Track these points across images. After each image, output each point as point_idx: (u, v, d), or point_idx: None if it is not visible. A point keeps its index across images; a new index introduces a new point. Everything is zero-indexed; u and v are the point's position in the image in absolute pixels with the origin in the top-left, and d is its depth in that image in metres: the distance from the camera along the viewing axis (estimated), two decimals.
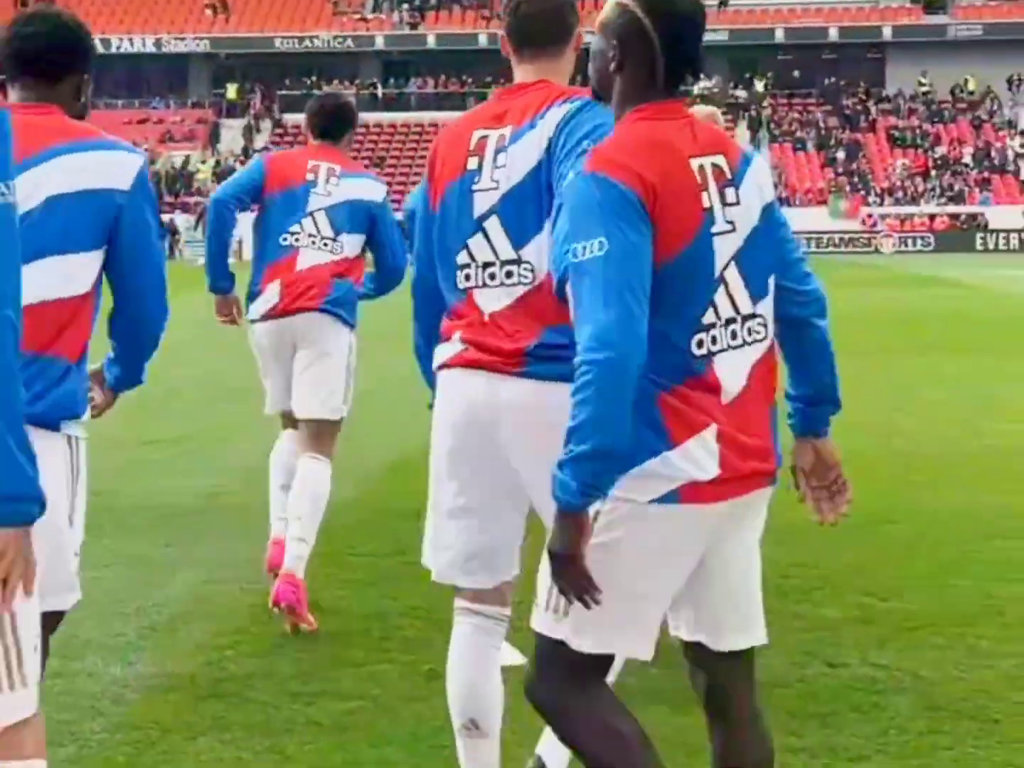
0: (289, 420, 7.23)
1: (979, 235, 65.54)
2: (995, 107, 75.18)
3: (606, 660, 3.64)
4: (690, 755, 4.74)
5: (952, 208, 68.04)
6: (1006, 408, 13.75)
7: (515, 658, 5.53)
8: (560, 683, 3.60)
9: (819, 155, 71.53)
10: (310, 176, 7.03)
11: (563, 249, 3.52)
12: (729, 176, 3.49)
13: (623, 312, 3.23)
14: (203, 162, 71.36)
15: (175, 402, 14.37)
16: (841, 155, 70.86)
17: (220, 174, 63.54)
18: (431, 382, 4.32)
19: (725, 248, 3.46)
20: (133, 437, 12.02)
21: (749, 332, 3.52)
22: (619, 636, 3.54)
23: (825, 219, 65.69)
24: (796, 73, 75.73)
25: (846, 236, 64.56)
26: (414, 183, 74.58)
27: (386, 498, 9.54)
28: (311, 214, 6.98)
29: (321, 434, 6.99)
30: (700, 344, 3.45)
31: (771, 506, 9.65)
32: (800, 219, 65.91)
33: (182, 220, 60.33)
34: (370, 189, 7.15)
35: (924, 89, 76.19)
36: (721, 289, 3.47)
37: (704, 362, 3.45)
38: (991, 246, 64.55)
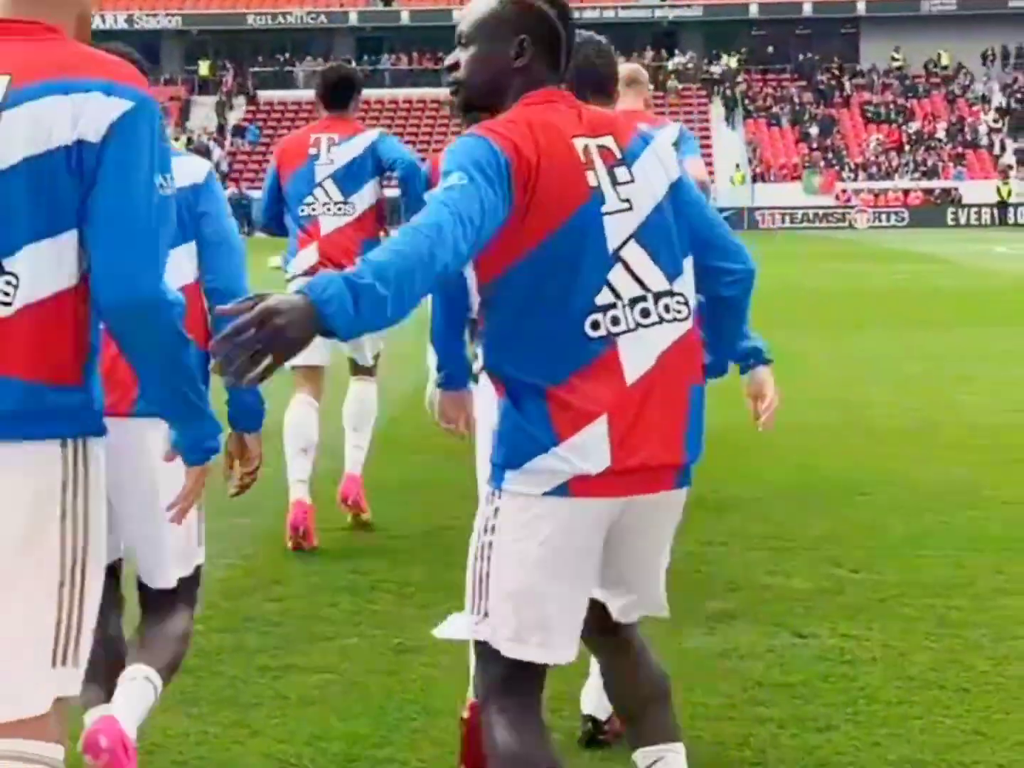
0: (306, 379, 7.77)
1: (951, 210, 65.62)
2: (968, 82, 75.26)
3: (531, 676, 3.51)
4: None
5: (926, 183, 68.11)
6: (980, 382, 13.76)
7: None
8: (488, 693, 3.51)
9: (793, 130, 71.52)
10: (312, 151, 7.87)
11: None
12: (619, 156, 3.46)
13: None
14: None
15: None
16: (815, 130, 70.86)
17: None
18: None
19: (620, 227, 3.41)
20: None
21: (666, 309, 3.45)
22: (531, 638, 3.44)
23: (799, 194, 65.74)
24: (770, 49, 75.71)
25: (820, 211, 64.57)
26: None
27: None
28: (320, 184, 7.80)
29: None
30: (596, 326, 3.38)
31: (741, 478, 9.64)
32: (774, 195, 66.05)
33: None
34: (364, 141, 7.96)
35: (898, 64, 76.23)
36: (619, 268, 3.40)
37: (602, 344, 3.38)
38: (964, 221, 64.65)
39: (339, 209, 7.77)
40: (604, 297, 3.39)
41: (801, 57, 76.30)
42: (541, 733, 3.50)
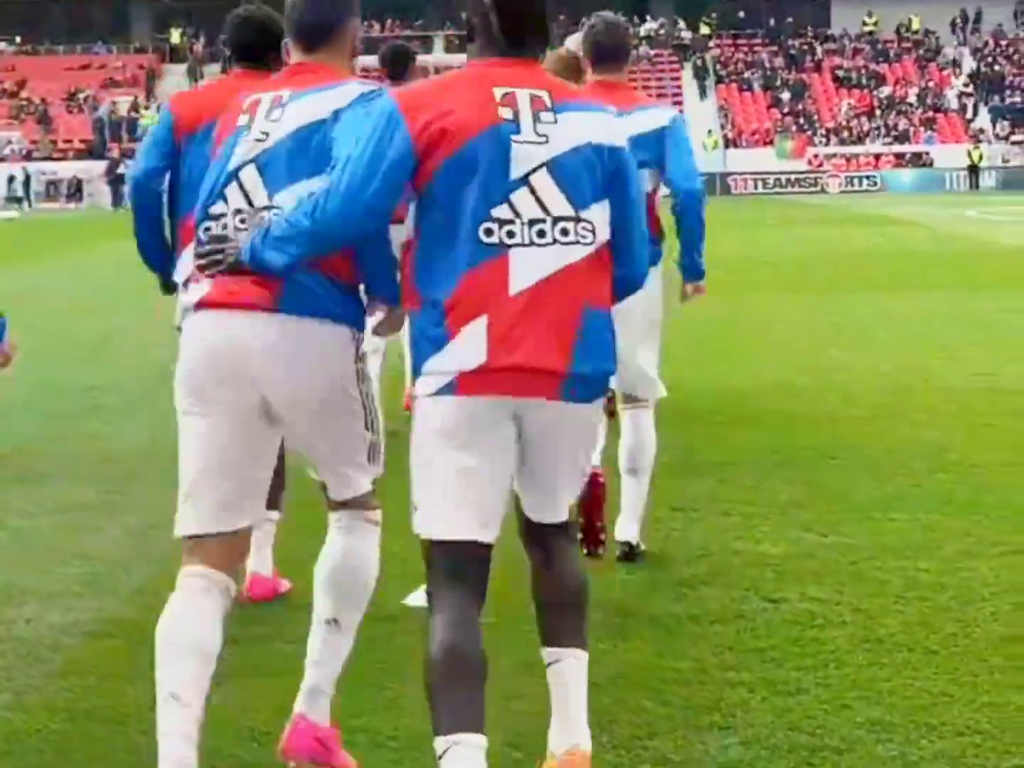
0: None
1: (925, 173, 65.74)
2: (939, 46, 75.30)
3: (464, 567, 4.03)
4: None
5: (897, 147, 68.17)
6: (952, 347, 13.80)
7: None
8: (432, 591, 4.07)
9: (765, 96, 71.50)
10: None
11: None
12: (549, 105, 3.96)
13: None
14: (146, 108, 70.66)
15: (112, 348, 14.28)
16: (787, 96, 70.85)
17: None
18: None
19: (532, 154, 3.90)
20: (73, 383, 11.98)
21: (564, 233, 3.89)
22: (451, 517, 3.98)
23: (771, 160, 65.77)
24: (741, 14, 75.60)
25: (792, 176, 64.60)
26: None
27: None
28: None
29: None
30: (489, 233, 3.85)
31: (712, 444, 9.61)
32: (747, 160, 66.04)
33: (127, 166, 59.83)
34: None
35: (869, 29, 76.20)
36: (523, 190, 3.88)
37: (494, 251, 3.85)
38: (936, 185, 64.72)
39: None
40: (502, 212, 3.86)
41: (772, 22, 76.21)
42: (476, 631, 4.00)
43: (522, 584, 6.24)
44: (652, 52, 73.56)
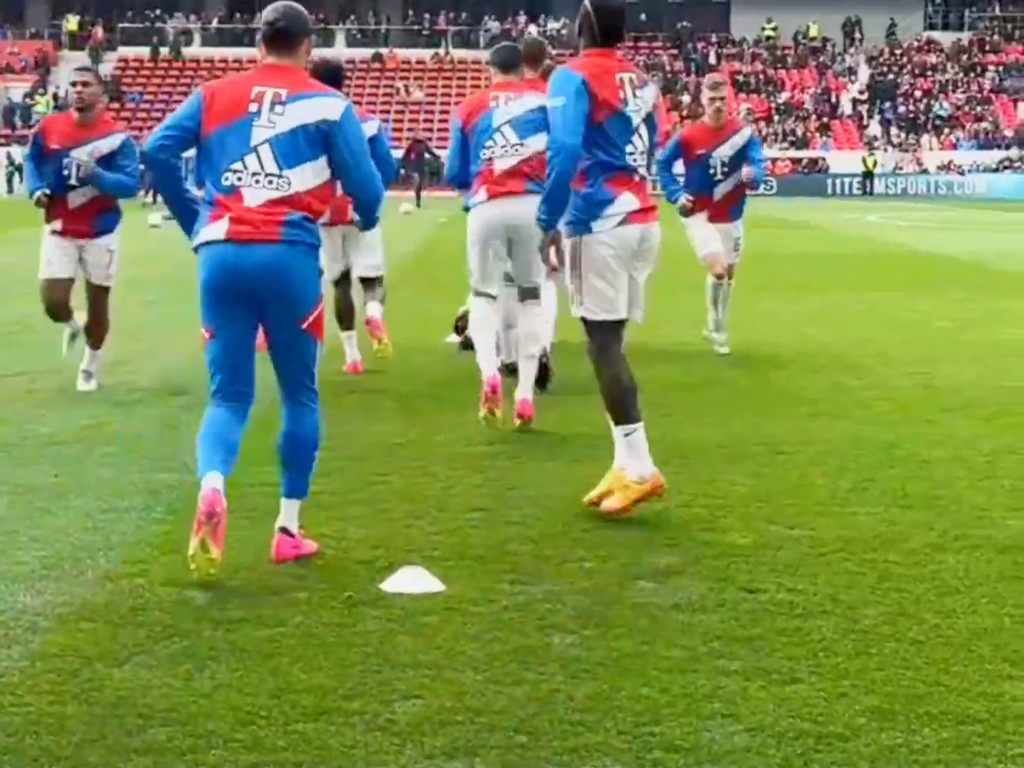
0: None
1: (820, 179, 66.44)
2: (836, 52, 76.12)
3: (619, 332, 7.51)
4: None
5: (794, 153, 68.84)
6: (881, 345, 13.92)
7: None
8: (593, 346, 7.46)
9: (664, 99, 71.84)
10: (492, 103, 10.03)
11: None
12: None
13: None
14: (41, 94, 69.71)
15: (32, 334, 14.01)
16: (686, 99, 71.28)
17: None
18: None
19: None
20: (5, 367, 11.79)
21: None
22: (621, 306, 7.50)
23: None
24: (643, 16, 75.93)
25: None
26: None
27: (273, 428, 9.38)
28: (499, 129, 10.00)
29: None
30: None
31: (659, 438, 9.65)
32: None
33: (20, 153, 58.92)
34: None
35: (768, 35, 76.88)
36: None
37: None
38: (831, 191, 65.45)
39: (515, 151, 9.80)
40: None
41: (674, 26, 76.65)
42: (625, 366, 7.42)
43: (522, 575, 6.22)
44: (554, 52, 73.71)
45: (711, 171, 12.99)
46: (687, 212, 13.01)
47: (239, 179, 6.24)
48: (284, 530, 6.48)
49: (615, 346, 7.41)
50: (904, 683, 5.01)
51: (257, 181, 6.24)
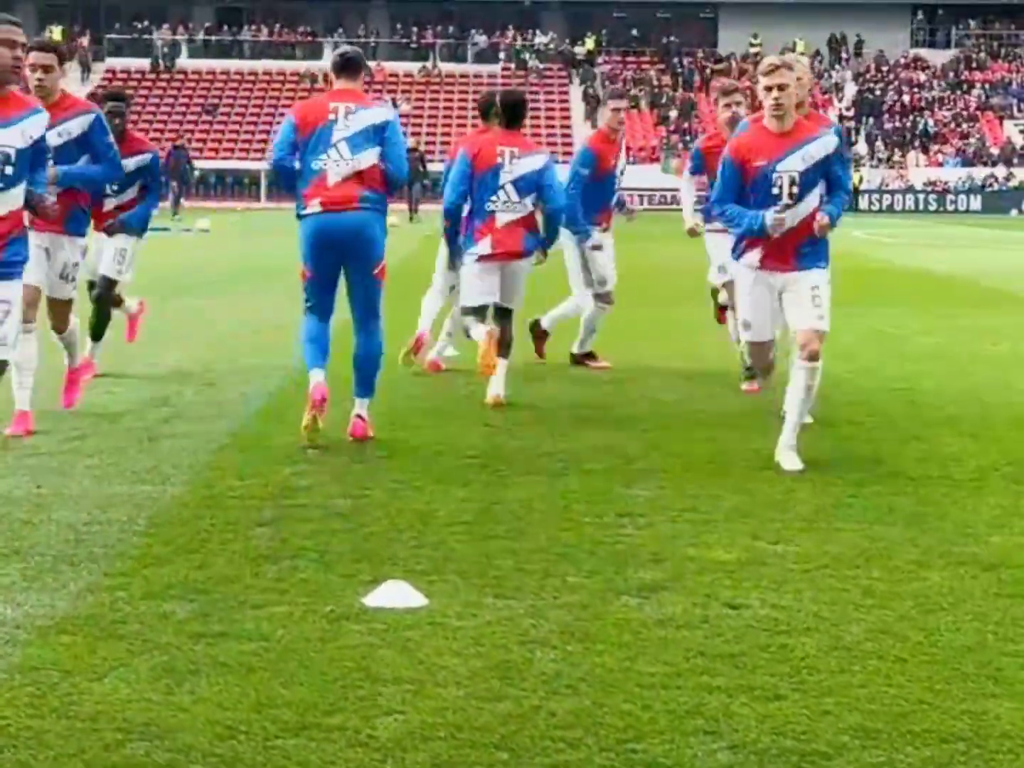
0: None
1: None
2: (823, 68, 76.28)
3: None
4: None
5: None
6: (863, 359, 13.92)
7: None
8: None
9: (652, 113, 72.00)
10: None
11: None
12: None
13: None
14: None
15: None
16: (674, 113, 71.40)
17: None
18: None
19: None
20: None
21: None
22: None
23: (658, 176, 66.16)
24: (632, 31, 76.07)
25: (678, 193, 64.97)
26: (247, 131, 73.67)
27: (262, 439, 9.38)
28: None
29: None
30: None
31: (646, 453, 9.61)
32: (633, 176, 66.21)
33: None
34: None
35: (755, 50, 76.98)
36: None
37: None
38: None
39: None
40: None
41: (662, 41, 76.77)
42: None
43: (505, 589, 6.18)
44: (542, 66, 73.78)
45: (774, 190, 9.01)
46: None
47: (325, 165, 9.22)
48: (359, 416, 9.51)
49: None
50: (887, 701, 5.00)
51: (337, 165, 9.20)
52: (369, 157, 9.18)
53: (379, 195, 9.24)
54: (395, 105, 71.83)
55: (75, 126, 9.51)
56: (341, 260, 9.24)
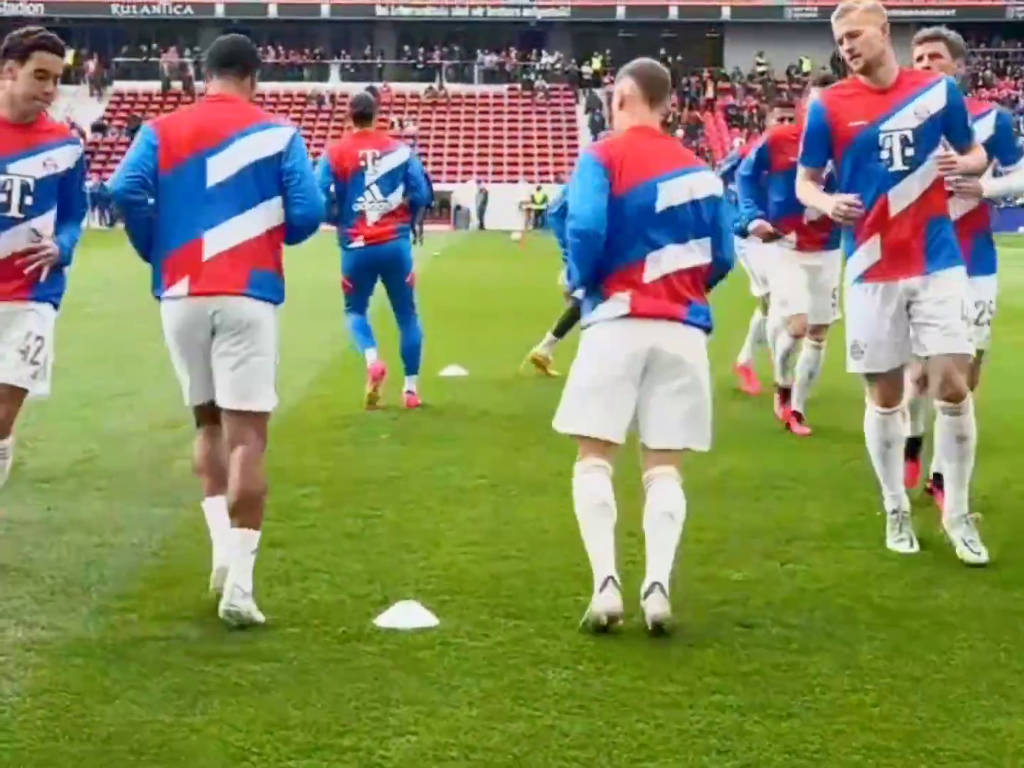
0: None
1: None
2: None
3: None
4: None
5: None
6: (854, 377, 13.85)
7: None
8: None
9: None
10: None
11: None
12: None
13: None
14: None
15: None
16: (680, 133, 71.43)
17: None
18: None
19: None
20: None
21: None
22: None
23: None
24: (638, 51, 76.26)
25: None
26: None
27: (272, 460, 9.35)
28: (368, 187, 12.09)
29: None
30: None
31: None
32: None
33: None
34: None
35: (761, 69, 77.11)
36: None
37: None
38: None
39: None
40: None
41: (667, 60, 76.85)
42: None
43: (517, 610, 6.17)
44: (548, 86, 73.92)
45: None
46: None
47: (362, 206, 11.76)
48: (410, 392, 11.94)
49: None
50: (901, 719, 4.99)
51: (372, 205, 11.73)
52: (397, 197, 11.86)
53: (407, 225, 12.04)
54: (402, 126, 72.27)
55: (61, 157, 6.82)
56: (379, 276, 11.96)
